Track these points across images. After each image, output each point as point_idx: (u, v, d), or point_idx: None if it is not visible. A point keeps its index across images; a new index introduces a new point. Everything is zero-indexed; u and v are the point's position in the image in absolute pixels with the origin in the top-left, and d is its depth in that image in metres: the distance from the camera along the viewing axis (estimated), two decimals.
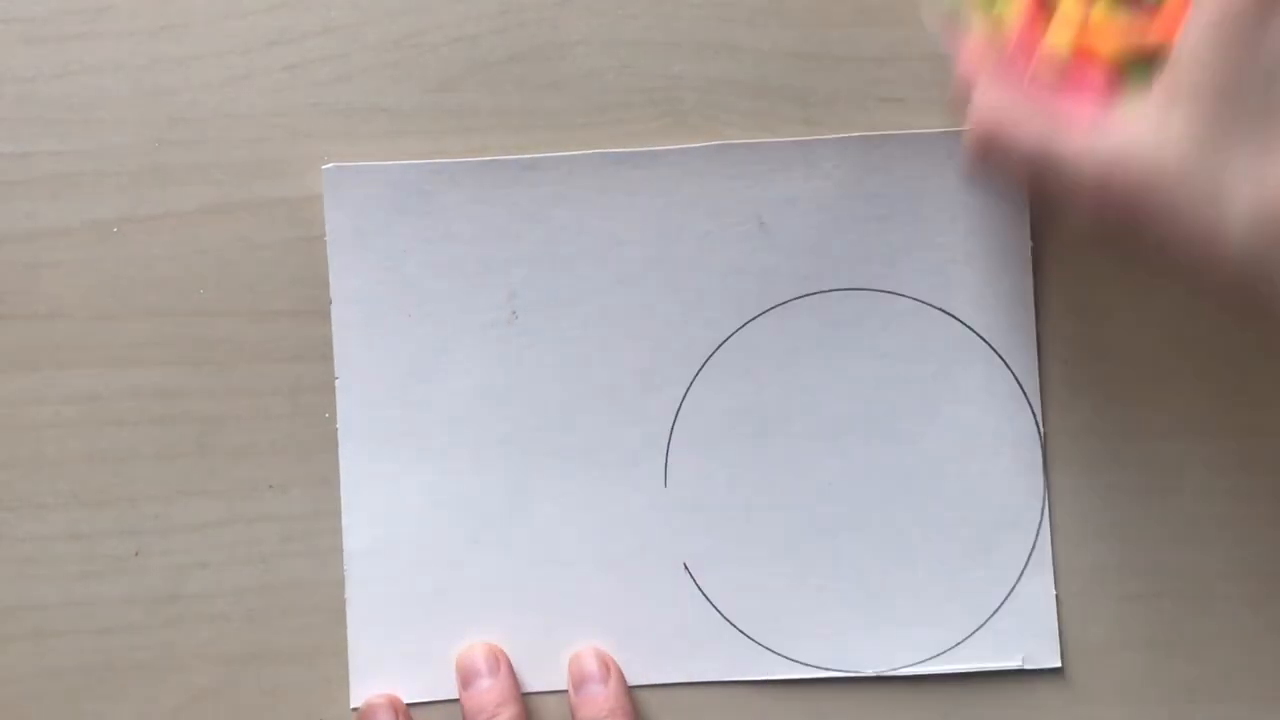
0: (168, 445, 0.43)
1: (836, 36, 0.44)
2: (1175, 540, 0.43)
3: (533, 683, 0.43)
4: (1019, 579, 0.43)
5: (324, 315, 0.43)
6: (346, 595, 0.43)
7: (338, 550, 0.43)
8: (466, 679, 0.42)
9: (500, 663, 0.42)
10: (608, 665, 0.42)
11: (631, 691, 0.43)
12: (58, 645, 0.43)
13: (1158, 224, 0.33)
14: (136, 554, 0.43)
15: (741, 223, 0.43)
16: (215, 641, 0.43)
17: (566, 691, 0.43)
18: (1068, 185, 0.35)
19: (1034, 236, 0.43)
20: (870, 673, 0.43)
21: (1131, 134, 0.34)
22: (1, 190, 0.43)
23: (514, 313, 0.43)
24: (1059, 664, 0.42)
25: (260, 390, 0.43)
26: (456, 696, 0.43)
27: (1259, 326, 0.39)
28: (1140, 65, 0.35)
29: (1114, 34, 0.36)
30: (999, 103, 0.37)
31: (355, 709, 0.43)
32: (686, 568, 0.43)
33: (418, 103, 0.44)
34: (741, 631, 0.43)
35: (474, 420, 0.43)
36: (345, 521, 0.43)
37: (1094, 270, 0.43)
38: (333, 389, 0.43)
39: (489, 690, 0.42)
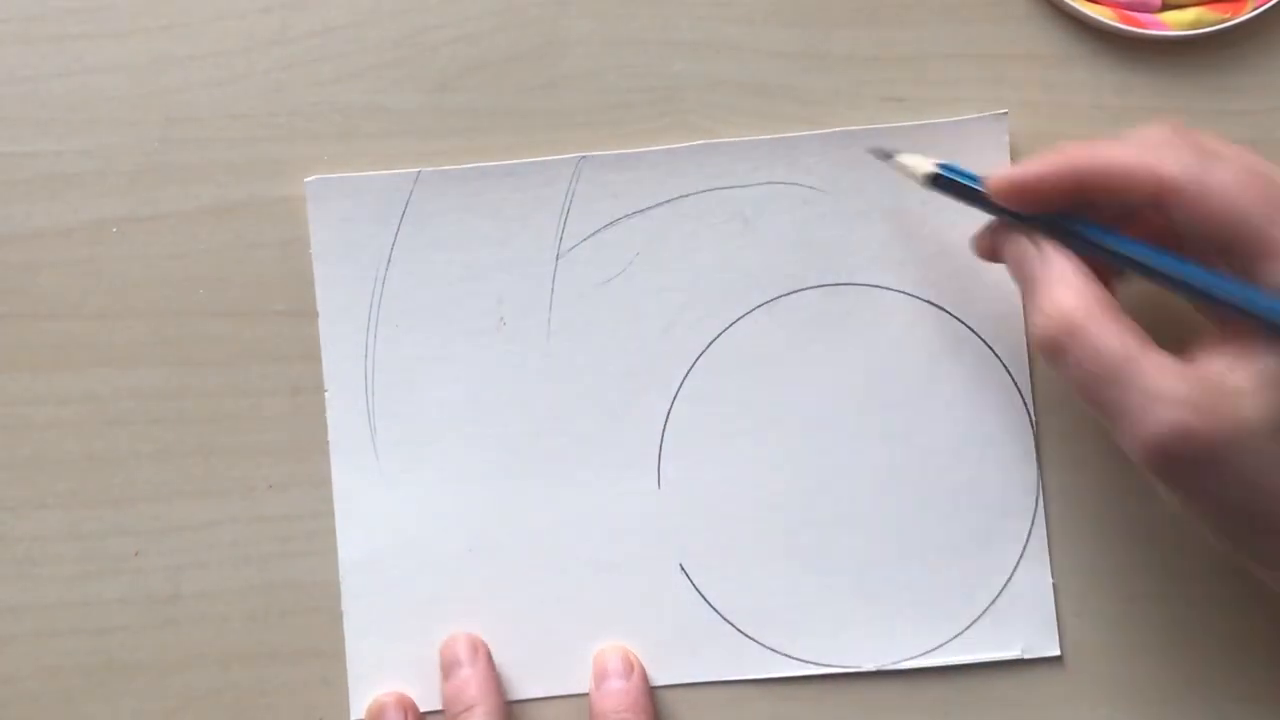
0: (167, 445, 0.43)
1: (836, 36, 0.44)
2: (1170, 528, 0.43)
3: (531, 688, 0.43)
4: (1015, 569, 0.43)
5: None
6: (343, 607, 0.43)
7: (336, 550, 0.43)
8: (447, 669, 0.42)
9: (480, 652, 0.42)
10: (631, 663, 0.42)
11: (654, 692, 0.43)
12: (58, 645, 0.43)
13: (1215, 480, 0.34)
14: (136, 554, 0.43)
15: (726, 221, 0.43)
16: (215, 641, 0.43)
17: (565, 697, 0.43)
18: (1134, 414, 0.34)
19: None
20: (869, 667, 0.43)
21: (1220, 391, 0.33)
22: (1, 190, 0.43)
23: (502, 319, 0.43)
24: (1058, 653, 0.43)
25: (259, 390, 0.43)
26: None
27: None
28: None
29: None
30: (1080, 302, 0.35)
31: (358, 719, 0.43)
32: (682, 568, 0.43)
33: (417, 103, 0.44)
34: (739, 630, 0.43)
35: (465, 428, 0.43)
36: (339, 533, 0.43)
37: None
38: None
39: (468, 680, 0.42)
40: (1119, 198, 0.36)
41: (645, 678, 0.42)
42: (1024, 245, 0.37)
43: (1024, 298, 0.37)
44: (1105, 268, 0.37)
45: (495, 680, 0.42)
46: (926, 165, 0.40)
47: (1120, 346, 0.34)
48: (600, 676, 0.42)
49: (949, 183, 0.40)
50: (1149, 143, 0.36)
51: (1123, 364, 0.34)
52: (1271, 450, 0.33)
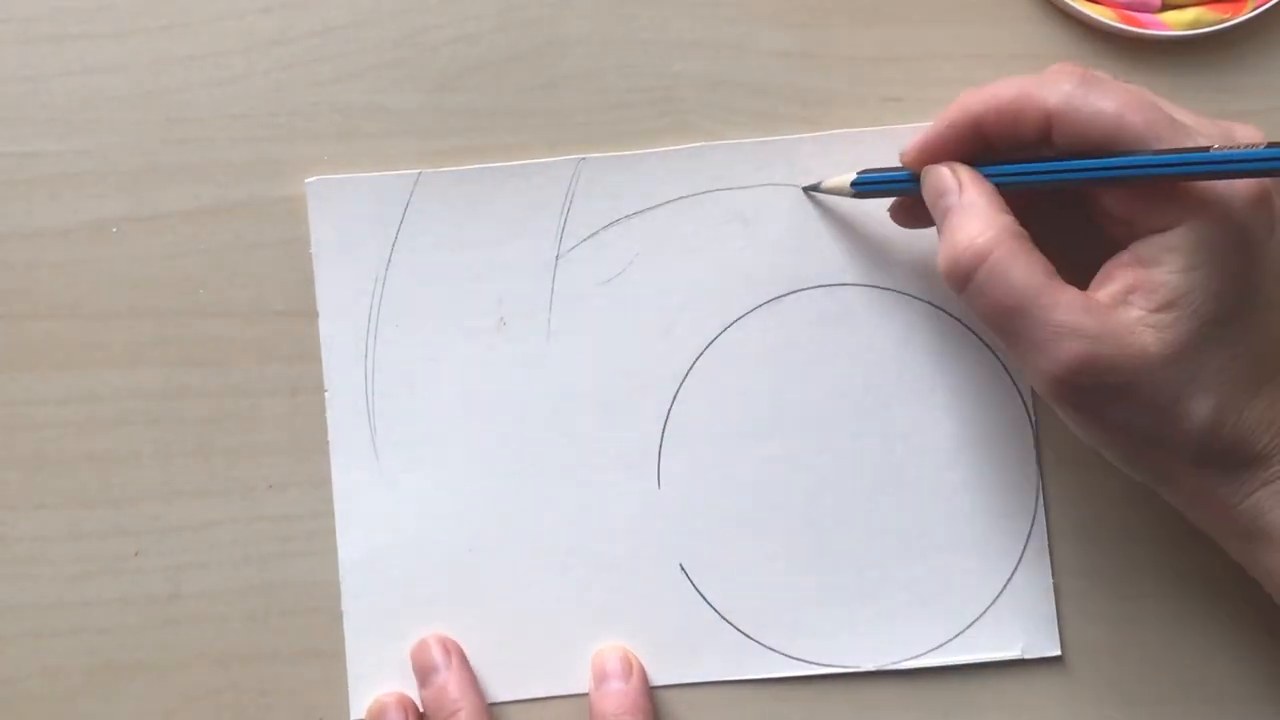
0: (167, 445, 0.43)
1: (836, 36, 0.44)
2: (1170, 528, 0.43)
3: (531, 688, 0.43)
4: (1015, 569, 0.43)
5: None
6: (343, 607, 0.43)
7: (336, 550, 0.43)
8: (423, 674, 0.42)
9: (453, 654, 0.42)
10: (630, 663, 0.42)
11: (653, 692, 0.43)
12: (58, 645, 0.43)
13: (1119, 407, 0.36)
14: (136, 554, 0.43)
15: (726, 221, 0.43)
16: (215, 641, 0.43)
17: (565, 697, 0.43)
18: (1041, 347, 0.35)
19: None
20: (870, 667, 0.43)
21: (1123, 323, 0.35)
22: (1, 190, 0.43)
23: (502, 319, 0.43)
24: (1059, 652, 0.43)
25: (259, 390, 0.43)
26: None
27: (1204, 515, 0.39)
28: None
29: None
30: (992, 233, 0.36)
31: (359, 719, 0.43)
32: (682, 568, 0.43)
33: (417, 103, 0.44)
34: (739, 630, 0.43)
35: (466, 428, 0.43)
36: (339, 533, 0.43)
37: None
38: None
39: (446, 683, 0.42)
40: (1012, 132, 0.37)
41: (645, 678, 0.42)
42: (943, 175, 0.38)
43: (939, 230, 0.38)
44: (1022, 205, 0.38)
45: (473, 679, 0.42)
46: (847, 179, 0.41)
47: (1029, 278, 0.35)
48: (600, 678, 0.42)
49: (873, 184, 0.41)
50: (1034, 78, 0.37)
51: (1031, 296, 0.35)
52: (1169, 375, 0.35)
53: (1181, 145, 0.35)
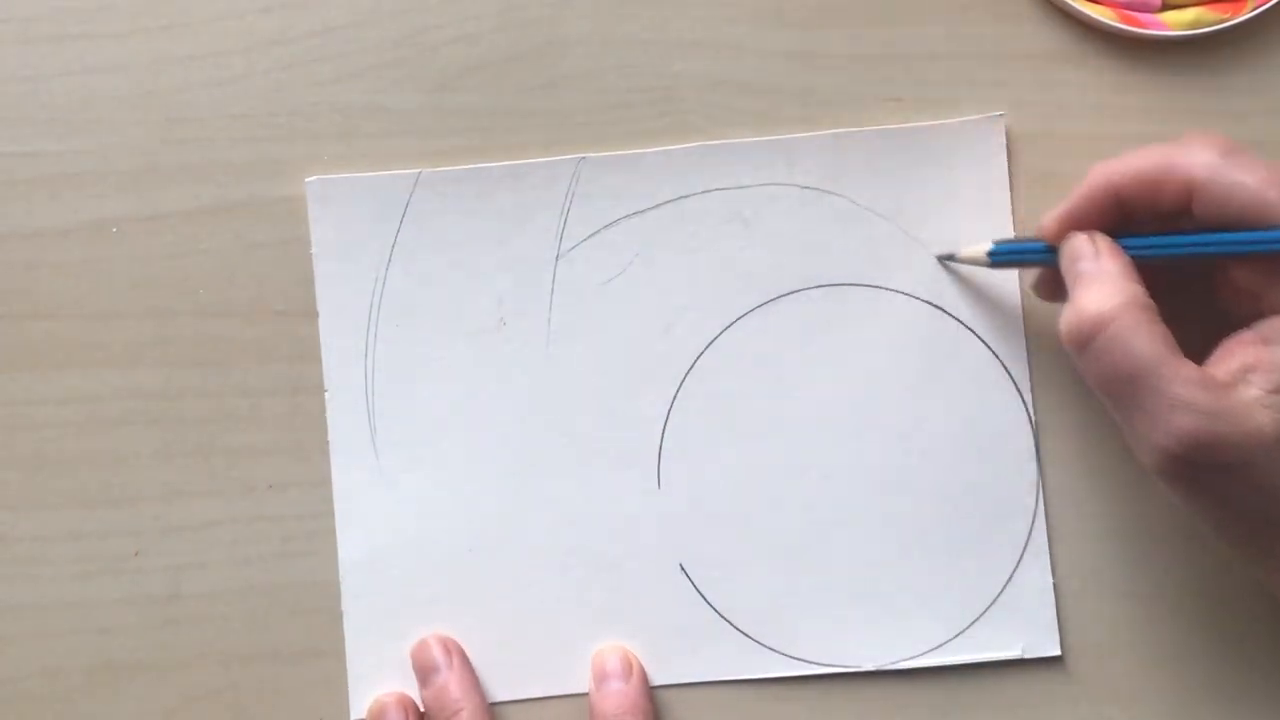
0: (167, 445, 0.43)
1: (836, 36, 0.44)
2: (1170, 528, 0.43)
3: (531, 688, 0.43)
4: (1016, 568, 0.43)
5: None
6: (343, 607, 0.43)
7: (336, 550, 0.43)
8: (423, 674, 0.42)
9: (454, 654, 0.42)
10: (630, 663, 0.42)
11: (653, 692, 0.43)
12: (58, 645, 0.43)
13: (1229, 485, 0.35)
14: (136, 554, 0.43)
15: (726, 221, 0.43)
16: (215, 641, 0.43)
17: (565, 697, 0.43)
18: (1152, 418, 0.35)
19: (1016, 226, 0.43)
20: (870, 667, 0.43)
21: (1240, 402, 0.35)
22: (1, 190, 0.43)
23: (502, 319, 0.43)
24: (1059, 652, 0.43)
25: (259, 390, 0.43)
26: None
27: None
28: None
29: None
30: (1121, 299, 0.36)
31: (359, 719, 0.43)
32: (682, 568, 0.43)
33: (417, 103, 0.44)
34: (739, 630, 0.43)
35: (465, 428, 0.43)
36: (339, 532, 0.43)
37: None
38: None
39: (447, 683, 0.42)
40: (1151, 203, 0.37)
41: (645, 678, 0.42)
42: (1080, 242, 0.38)
43: (1070, 291, 0.38)
44: (1150, 278, 0.38)
45: (474, 679, 0.42)
46: (983, 249, 0.41)
47: (1150, 348, 0.35)
48: (600, 678, 0.42)
49: (1010, 254, 0.41)
50: (1174, 146, 0.37)
51: (1151, 367, 0.35)
52: None
53: None
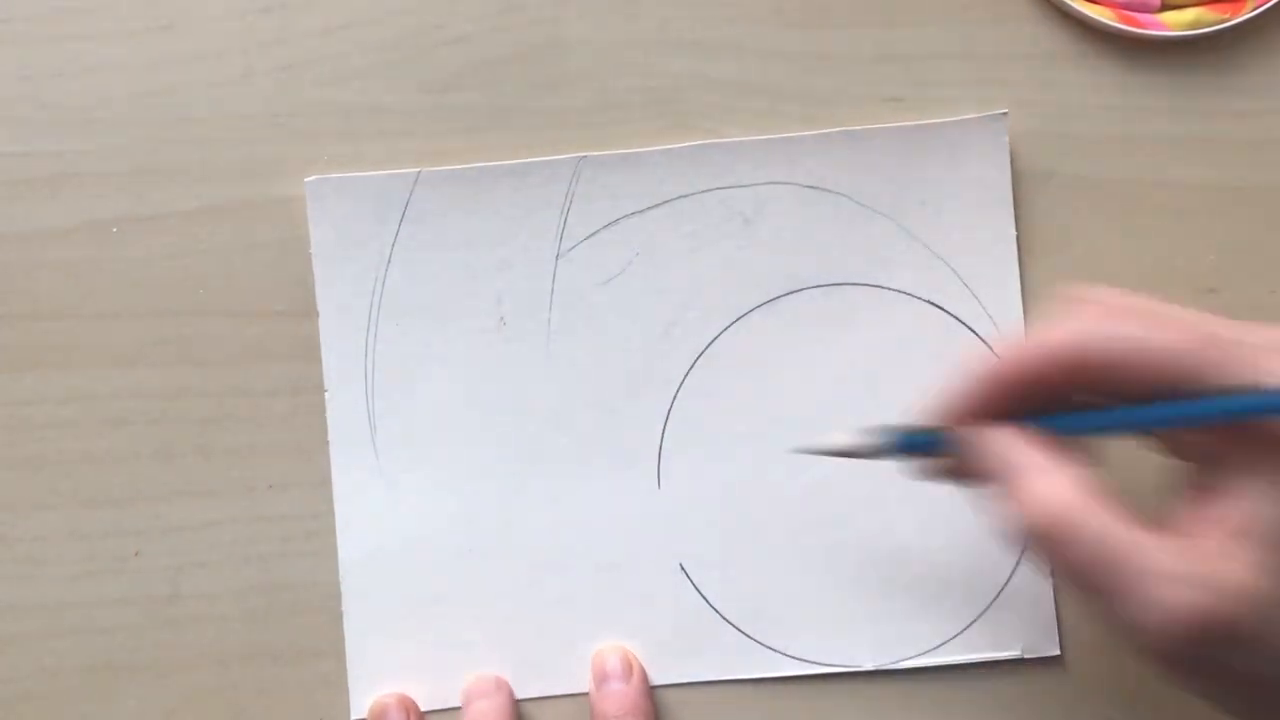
0: (167, 445, 0.43)
1: (836, 36, 0.44)
2: None
3: (531, 688, 0.43)
4: (1015, 569, 0.43)
5: None
6: (343, 607, 0.43)
7: (336, 550, 0.43)
8: (467, 700, 0.42)
9: (502, 689, 0.42)
10: (630, 664, 0.42)
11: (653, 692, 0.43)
12: (58, 645, 0.43)
13: (1244, 657, 0.32)
14: (136, 554, 0.43)
15: (726, 221, 0.43)
16: (215, 641, 0.43)
17: (565, 697, 0.43)
18: (1140, 600, 0.31)
19: (1018, 225, 0.43)
20: (869, 667, 0.43)
21: (1237, 565, 0.31)
22: (1, 190, 0.43)
23: (502, 319, 0.43)
24: (1058, 653, 0.43)
25: (259, 390, 0.43)
26: (458, 705, 0.43)
27: None
28: None
29: None
30: (1067, 491, 0.33)
31: (359, 719, 0.43)
32: (683, 568, 0.43)
33: (417, 103, 0.44)
34: (739, 630, 0.43)
35: (466, 427, 0.43)
36: (339, 533, 0.43)
37: (1081, 260, 0.44)
38: None
39: (485, 712, 0.42)
40: (1063, 383, 0.34)
41: (645, 678, 0.42)
42: (1002, 435, 0.34)
43: (1004, 490, 0.34)
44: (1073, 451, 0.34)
45: (513, 713, 0.42)
46: (870, 441, 0.38)
47: (1114, 532, 0.32)
48: (600, 678, 0.42)
49: (911, 447, 0.37)
50: (1073, 321, 0.34)
51: (1120, 550, 0.32)
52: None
53: (1255, 376, 0.31)
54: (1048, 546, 0.33)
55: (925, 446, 0.37)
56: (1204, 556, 0.32)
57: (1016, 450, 0.34)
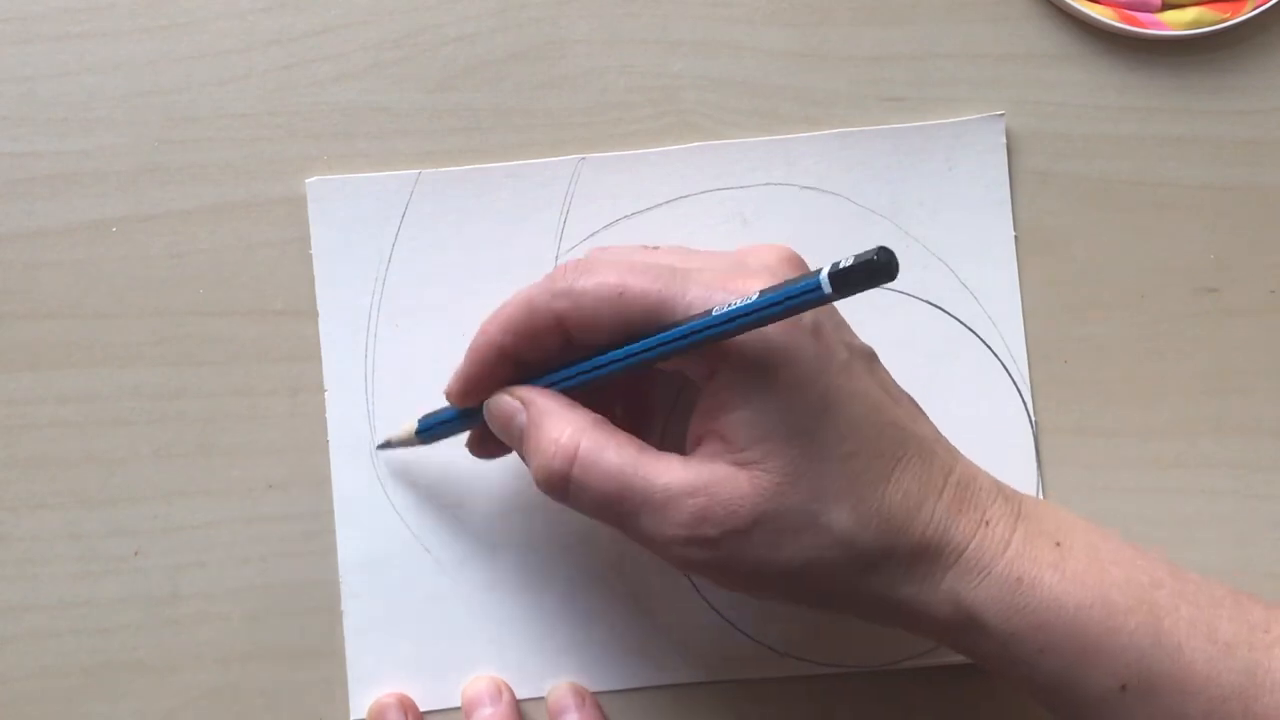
0: (167, 445, 0.43)
1: (836, 36, 0.44)
2: (1170, 529, 0.43)
3: (530, 688, 0.43)
4: None
5: None
6: (343, 607, 0.43)
7: (336, 550, 0.43)
8: (469, 708, 0.42)
9: (504, 694, 0.42)
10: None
11: (632, 696, 0.43)
12: (58, 645, 0.43)
13: (754, 544, 0.35)
14: (136, 554, 0.43)
15: (726, 221, 0.43)
16: (215, 641, 0.43)
17: None
18: (653, 517, 0.35)
19: (1017, 225, 0.43)
20: (869, 667, 0.43)
21: (723, 469, 0.35)
22: (1, 190, 0.43)
23: None
24: None
25: (259, 390, 0.43)
26: (457, 705, 0.43)
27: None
28: None
29: None
30: (572, 429, 0.36)
31: (358, 719, 0.43)
32: None
33: (417, 103, 0.44)
34: (742, 631, 0.43)
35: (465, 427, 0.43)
36: (339, 533, 0.43)
37: (1080, 260, 0.44)
38: None
39: (492, 717, 0.42)
40: (540, 346, 0.37)
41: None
42: (503, 402, 0.38)
43: (521, 452, 0.37)
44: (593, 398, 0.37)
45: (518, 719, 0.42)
46: (412, 427, 0.41)
47: (622, 457, 0.35)
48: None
49: (436, 426, 0.40)
50: (536, 285, 0.37)
51: (630, 472, 0.35)
52: (788, 499, 0.34)
53: (709, 301, 0.34)
54: (573, 485, 0.36)
55: (452, 423, 0.40)
56: (694, 465, 0.35)
57: (520, 409, 0.37)
